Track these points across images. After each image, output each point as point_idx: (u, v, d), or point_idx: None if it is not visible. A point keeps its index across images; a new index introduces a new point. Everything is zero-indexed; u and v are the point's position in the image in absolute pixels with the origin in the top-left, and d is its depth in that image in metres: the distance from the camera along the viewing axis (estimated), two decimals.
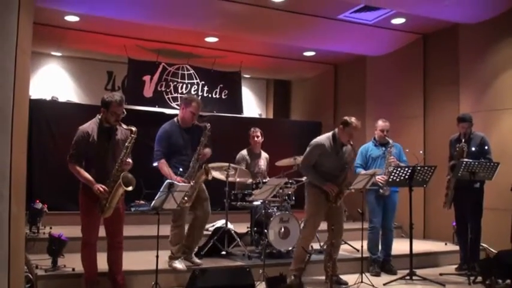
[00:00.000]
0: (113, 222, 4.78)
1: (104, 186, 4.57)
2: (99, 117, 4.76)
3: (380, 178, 6.10)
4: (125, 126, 4.75)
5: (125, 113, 4.78)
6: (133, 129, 4.70)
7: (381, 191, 6.21)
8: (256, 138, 7.22)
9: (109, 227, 4.83)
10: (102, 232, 4.84)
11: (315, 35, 8.65)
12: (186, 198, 5.30)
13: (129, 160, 4.75)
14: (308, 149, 5.67)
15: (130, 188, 4.58)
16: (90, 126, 4.72)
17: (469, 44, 7.87)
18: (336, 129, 5.65)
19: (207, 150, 5.60)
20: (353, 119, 5.51)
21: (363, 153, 6.55)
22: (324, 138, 5.66)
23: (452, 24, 7.98)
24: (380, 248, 6.43)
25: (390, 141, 6.39)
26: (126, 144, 4.69)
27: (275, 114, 12.40)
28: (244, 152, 7.22)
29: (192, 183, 5.34)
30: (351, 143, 5.59)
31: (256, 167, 7.19)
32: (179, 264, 5.45)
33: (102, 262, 4.87)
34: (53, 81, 10.15)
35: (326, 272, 5.71)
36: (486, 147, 6.30)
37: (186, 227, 5.70)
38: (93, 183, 4.57)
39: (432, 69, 8.66)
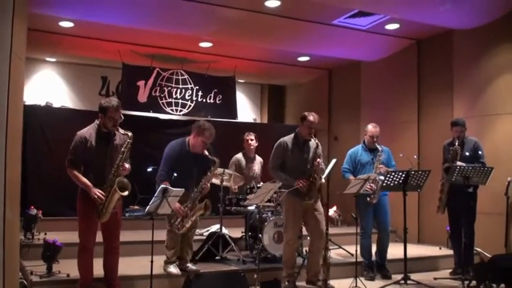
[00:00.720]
0: (109, 227, 4.78)
1: (101, 191, 4.57)
2: (97, 122, 4.76)
3: (368, 187, 6.03)
4: (122, 131, 4.76)
5: (123, 118, 4.78)
6: (130, 134, 4.71)
7: (368, 199, 6.18)
8: (250, 142, 7.22)
9: (106, 232, 4.83)
10: (97, 237, 4.83)
11: (310, 40, 8.68)
12: (179, 225, 5.34)
13: (127, 165, 4.76)
14: (272, 150, 5.76)
15: (125, 193, 4.59)
16: (88, 131, 4.73)
17: (463, 49, 7.90)
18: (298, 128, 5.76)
19: (208, 186, 5.56)
20: (311, 114, 5.61)
21: (352, 157, 6.53)
22: (286, 137, 5.78)
23: (447, 30, 8.01)
24: (375, 250, 6.44)
25: (379, 147, 6.35)
26: (122, 149, 4.69)
27: (270, 119, 12.42)
28: (239, 155, 7.23)
29: (190, 214, 5.36)
30: (314, 137, 5.62)
31: (250, 171, 7.20)
32: (174, 269, 5.44)
33: (97, 267, 4.86)
34: (47, 87, 10.13)
35: (307, 276, 5.73)
36: (480, 152, 6.31)
37: None
38: (90, 188, 4.58)
39: (426, 75, 8.68)
